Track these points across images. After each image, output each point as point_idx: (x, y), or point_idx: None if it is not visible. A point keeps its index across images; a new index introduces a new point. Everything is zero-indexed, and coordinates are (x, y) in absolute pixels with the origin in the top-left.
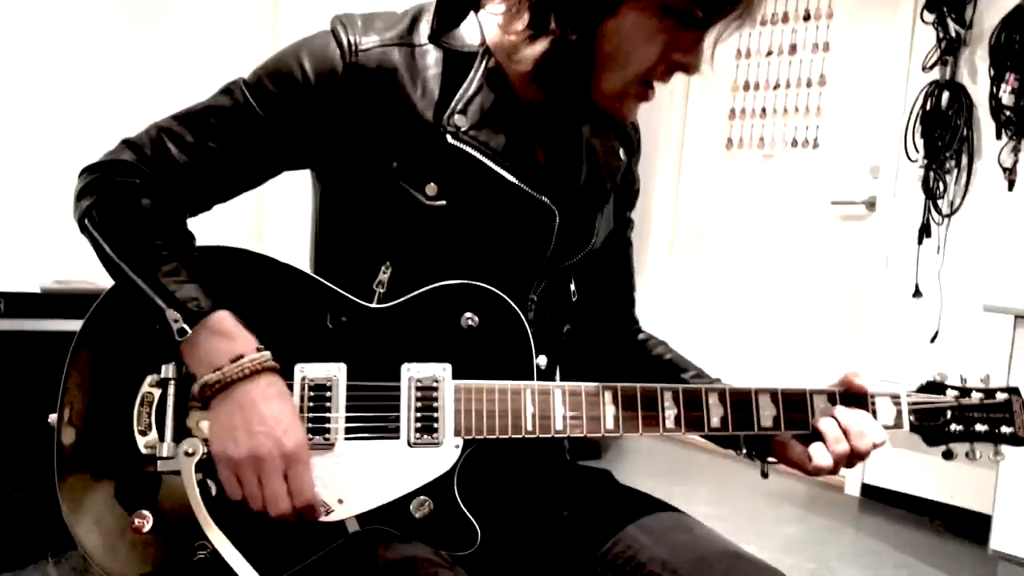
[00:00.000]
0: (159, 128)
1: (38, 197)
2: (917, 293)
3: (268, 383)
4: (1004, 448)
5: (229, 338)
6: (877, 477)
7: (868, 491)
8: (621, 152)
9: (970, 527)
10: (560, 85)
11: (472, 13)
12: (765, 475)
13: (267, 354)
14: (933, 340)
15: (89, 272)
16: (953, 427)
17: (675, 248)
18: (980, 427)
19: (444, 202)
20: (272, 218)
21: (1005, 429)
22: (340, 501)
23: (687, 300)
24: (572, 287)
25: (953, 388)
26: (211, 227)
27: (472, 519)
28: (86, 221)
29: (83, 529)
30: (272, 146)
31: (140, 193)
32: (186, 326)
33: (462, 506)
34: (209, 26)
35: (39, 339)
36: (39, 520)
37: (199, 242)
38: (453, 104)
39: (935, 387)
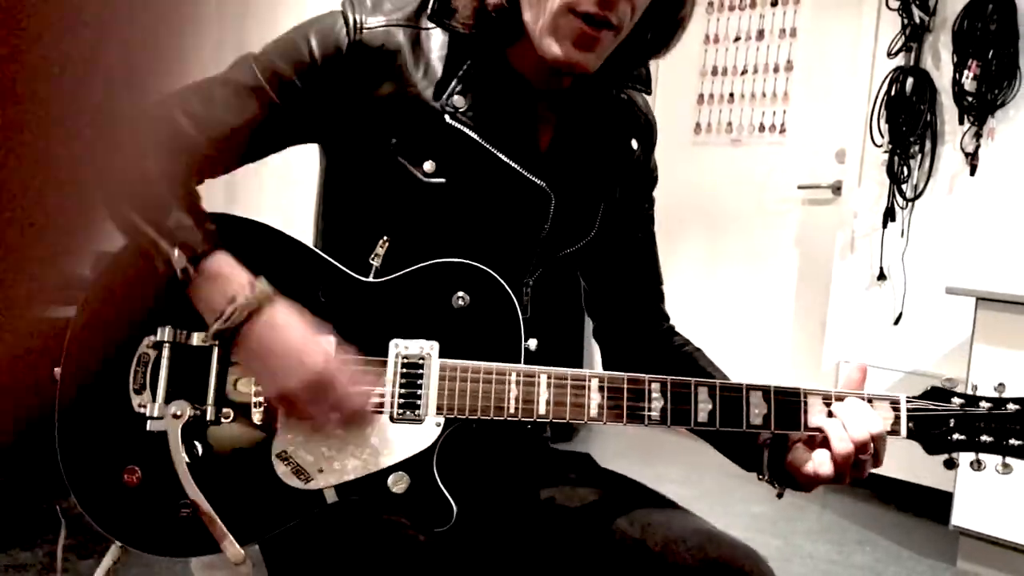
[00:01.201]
0: (169, 97)
1: None
2: (881, 276)
3: (270, 318)
4: (1012, 460)
5: (221, 281)
6: None
7: None
8: (634, 143)
9: (932, 505)
10: (494, 32)
11: None
12: (780, 495)
13: (260, 288)
14: (897, 322)
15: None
16: (956, 436)
17: None
18: (986, 438)
19: (442, 180)
20: (270, 189)
21: (1015, 441)
22: (320, 471)
23: None
24: (583, 284)
25: (960, 396)
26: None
27: (449, 497)
28: None
29: (77, 480)
30: (278, 122)
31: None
32: (189, 266)
33: (440, 484)
34: None
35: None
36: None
37: None
38: (453, 84)
39: (940, 394)
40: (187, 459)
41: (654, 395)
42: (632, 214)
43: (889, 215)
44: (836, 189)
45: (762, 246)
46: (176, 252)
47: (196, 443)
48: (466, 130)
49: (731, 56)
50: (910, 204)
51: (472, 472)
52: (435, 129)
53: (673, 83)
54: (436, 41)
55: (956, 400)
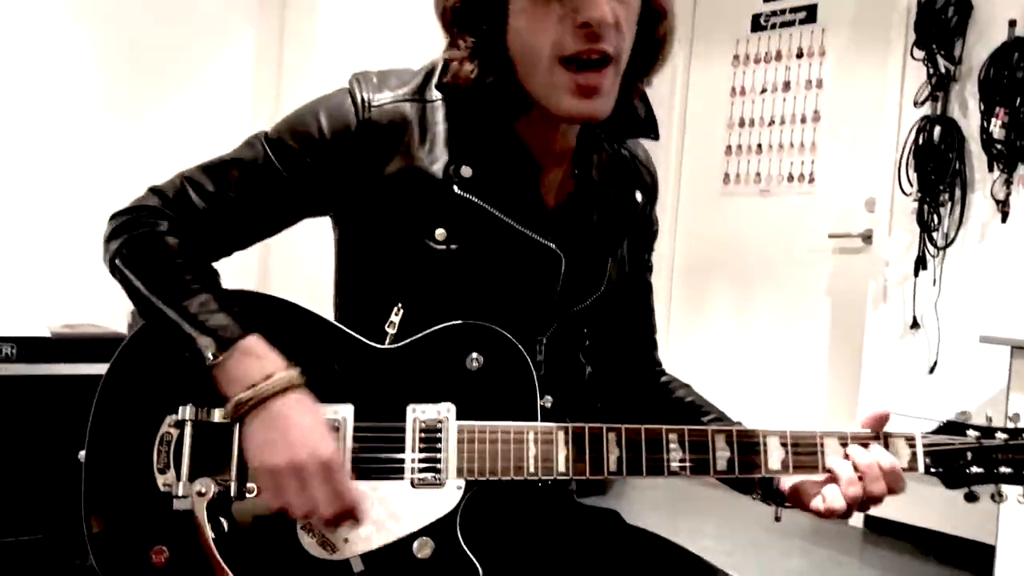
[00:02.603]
0: (183, 177)
1: (45, 243)
2: (915, 325)
3: (298, 398)
4: None
5: (260, 358)
6: (880, 509)
7: (872, 523)
8: (638, 194)
9: (973, 558)
10: (497, 95)
11: None
12: (778, 519)
13: (296, 371)
14: (932, 371)
15: (96, 316)
16: (974, 469)
17: (674, 284)
18: (1005, 469)
19: (453, 247)
20: (276, 260)
21: None
22: (345, 540)
23: (687, 336)
24: (585, 331)
25: (975, 428)
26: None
27: (474, 560)
28: (117, 260)
29: (105, 562)
30: (289, 198)
31: (167, 233)
32: (218, 350)
33: (464, 547)
34: (216, 89)
35: (51, 383)
36: (58, 561)
37: None
38: (459, 155)
39: (955, 427)
40: (213, 535)
41: (672, 446)
42: (634, 265)
43: (921, 263)
44: (867, 238)
45: (794, 296)
46: (202, 339)
47: (222, 519)
48: (474, 199)
49: (758, 107)
50: (941, 252)
51: (496, 532)
52: (444, 199)
53: (701, 135)
54: (441, 113)
55: (972, 433)
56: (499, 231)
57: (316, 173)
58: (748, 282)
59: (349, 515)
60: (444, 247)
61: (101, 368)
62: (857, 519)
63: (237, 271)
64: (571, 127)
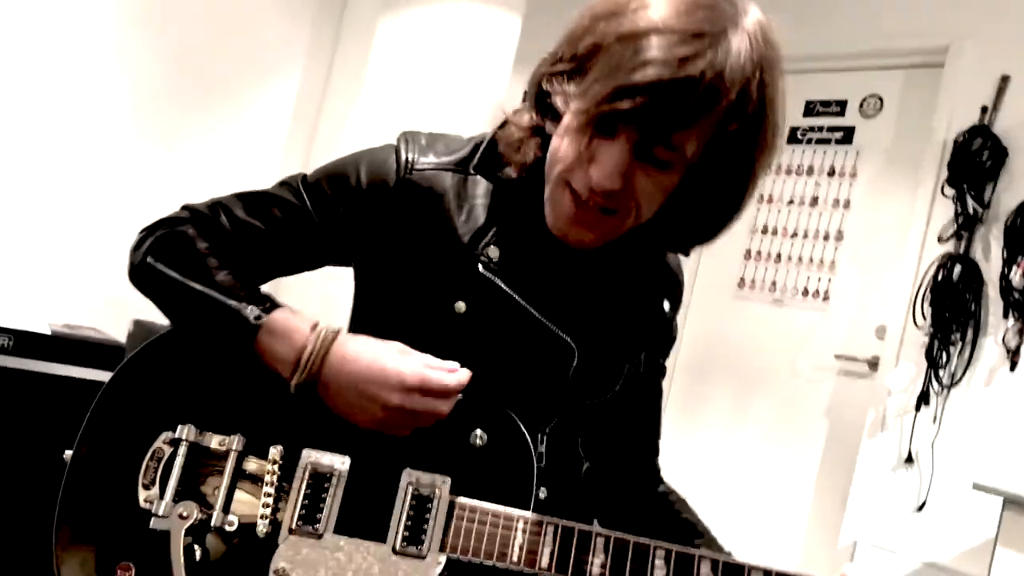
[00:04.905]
0: (217, 201)
1: (64, 241)
2: (909, 459)
3: (341, 353)
4: None
5: (288, 335)
6: None
7: None
8: (666, 304)
9: None
10: (536, 185)
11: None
12: None
13: (322, 331)
14: (920, 509)
15: (99, 322)
16: None
17: (674, 381)
18: None
19: (471, 321)
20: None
21: None
22: None
23: (679, 432)
24: (589, 427)
25: None
26: None
27: None
28: (149, 259)
29: (68, 568)
30: (315, 241)
31: (196, 237)
32: (261, 313)
33: None
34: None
35: (43, 381)
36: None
37: None
38: (491, 235)
39: None
40: (185, 562)
41: (657, 562)
42: (649, 369)
43: (923, 399)
44: (873, 364)
45: (792, 410)
46: (246, 307)
47: (196, 547)
48: (497, 280)
49: (783, 218)
50: (946, 391)
51: None
52: (468, 275)
53: (723, 235)
54: (481, 188)
55: None
56: (517, 315)
57: (346, 222)
58: (748, 389)
59: (461, 388)
60: (462, 320)
61: (94, 374)
62: None
63: None
64: None
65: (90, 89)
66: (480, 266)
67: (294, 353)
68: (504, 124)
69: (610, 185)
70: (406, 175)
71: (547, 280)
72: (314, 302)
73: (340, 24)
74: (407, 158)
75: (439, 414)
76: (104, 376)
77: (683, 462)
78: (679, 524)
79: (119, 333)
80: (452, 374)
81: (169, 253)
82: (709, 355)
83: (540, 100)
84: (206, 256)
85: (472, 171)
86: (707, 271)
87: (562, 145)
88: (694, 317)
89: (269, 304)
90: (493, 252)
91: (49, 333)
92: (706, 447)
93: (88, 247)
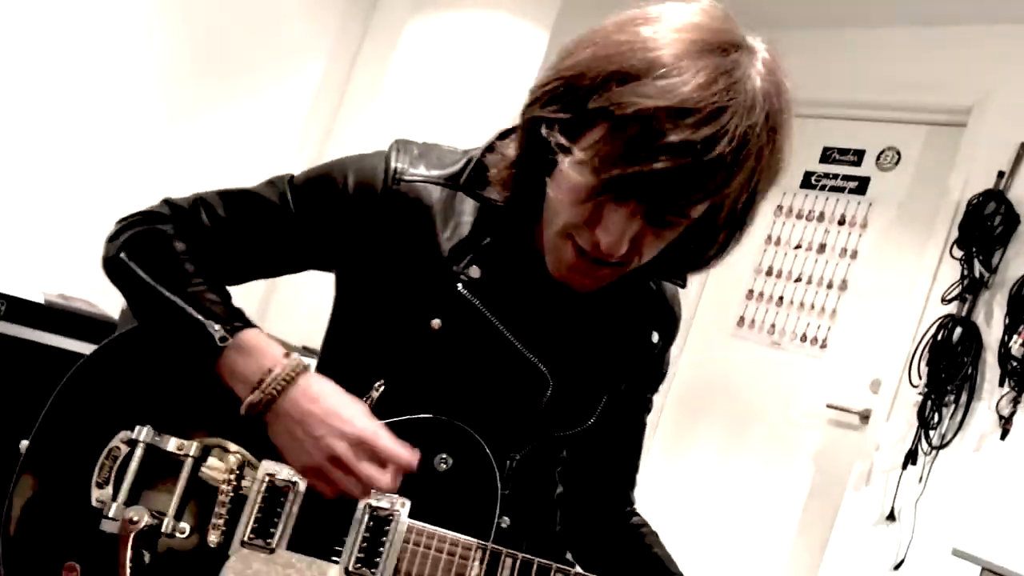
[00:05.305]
0: (199, 197)
1: (59, 207)
2: (891, 517)
3: (305, 387)
4: None
5: (257, 354)
6: None
7: None
8: (655, 336)
9: None
10: (523, 208)
11: None
12: None
13: (295, 359)
14: (897, 568)
15: (93, 294)
16: None
17: (664, 412)
18: None
19: (445, 338)
20: (281, 286)
21: None
22: None
23: (666, 466)
24: (564, 454)
25: None
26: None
27: None
28: (122, 254)
29: (12, 565)
30: (295, 244)
31: (173, 236)
32: (226, 334)
33: None
34: (273, 107)
35: (34, 350)
36: None
37: None
38: (473, 254)
39: None
40: (132, 565)
41: None
42: (632, 403)
43: (911, 458)
44: (864, 417)
45: (780, 454)
46: (212, 324)
47: (145, 552)
48: (475, 301)
49: (788, 261)
50: (935, 452)
51: None
52: (447, 292)
53: (727, 272)
54: (469, 205)
55: None
56: (492, 338)
57: (329, 226)
58: (739, 428)
59: (408, 468)
60: (437, 337)
61: (84, 347)
62: None
63: (240, 292)
64: None
65: (108, 63)
66: (459, 284)
67: (259, 373)
68: (492, 148)
69: (619, 251)
70: (394, 185)
71: (527, 306)
72: (306, 295)
73: (369, 20)
74: (396, 167)
75: (374, 483)
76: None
77: (667, 495)
78: (648, 559)
79: (113, 308)
80: (405, 450)
81: (144, 252)
82: (703, 391)
83: (531, 139)
84: (182, 260)
85: (462, 188)
86: (707, 307)
87: (564, 198)
88: (691, 352)
89: (239, 323)
90: (474, 271)
91: (42, 302)
92: (692, 482)
93: (90, 219)
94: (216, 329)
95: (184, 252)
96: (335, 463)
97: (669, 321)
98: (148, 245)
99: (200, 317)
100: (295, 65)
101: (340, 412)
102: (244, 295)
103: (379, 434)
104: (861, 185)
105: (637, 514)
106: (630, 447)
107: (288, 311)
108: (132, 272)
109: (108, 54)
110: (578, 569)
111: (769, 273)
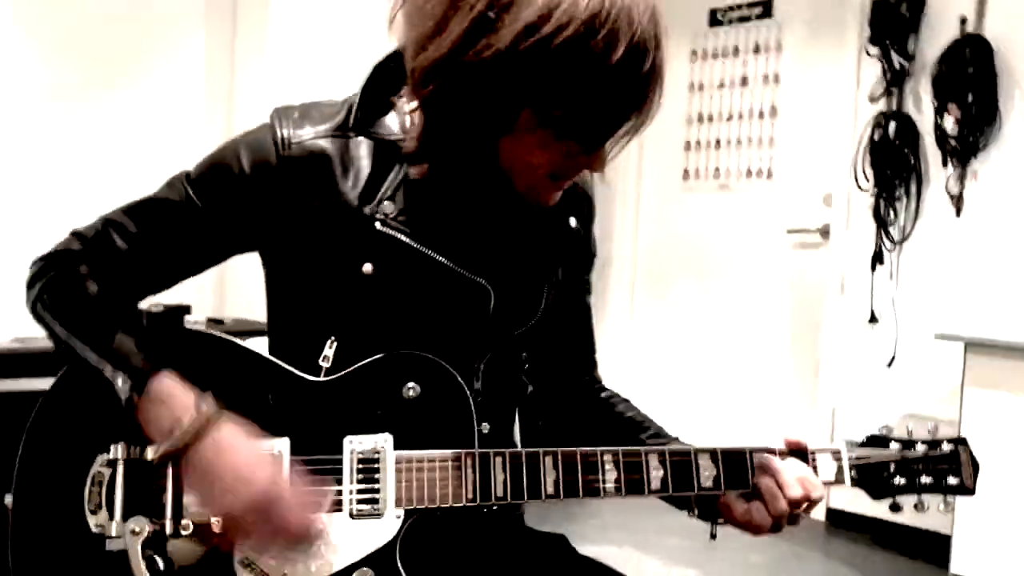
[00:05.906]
0: (105, 220)
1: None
2: (873, 319)
3: (214, 440)
4: (952, 498)
5: (168, 402)
6: (842, 501)
7: (833, 516)
8: (573, 221)
9: (932, 549)
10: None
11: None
12: (714, 536)
13: (206, 410)
14: (890, 365)
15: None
16: (898, 480)
17: (637, 278)
18: (925, 479)
19: (381, 280)
20: (233, 291)
21: (952, 480)
22: (284, 574)
23: (650, 328)
24: (524, 354)
25: (897, 441)
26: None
27: None
28: (37, 306)
29: None
30: (211, 236)
31: (86, 277)
32: (132, 392)
33: (404, 575)
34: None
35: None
36: None
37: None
38: (382, 191)
39: (879, 440)
40: (148, 575)
41: (607, 467)
42: (572, 288)
43: (877, 258)
44: (824, 233)
45: (753, 290)
46: (120, 380)
47: (157, 558)
48: (398, 235)
49: (716, 103)
50: (898, 247)
51: (440, 560)
52: (368, 235)
53: (661, 131)
54: (364, 148)
55: (894, 445)
56: (425, 266)
57: (236, 210)
58: (709, 276)
59: (303, 540)
60: (372, 281)
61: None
62: (819, 512)
63: (195, 286)
64: None
65: None
66: (377, 223)
67: (169, 422)
68: (375, 85)
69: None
70: (286, 151)
71: (449, 225)
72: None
73: None
74: (283, 134)
75: (271, 544)
76: None
77: (658, 352)
78: (625, 424)
79: None
80: (302, 515)
81: (56, 302)
82: (666, 249)
83: (446, 87)
84: (95, 304)
85: (351, 133)
86: (651, 168)
87: (530, 152)
88: (645, 215)
89: (152, 368)
90: (388, 207)
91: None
92: (677, 336)
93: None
94: (123, 389)
95: (98, 292)
96: (234, 521)
97: (583, 203)
98: (59, 294)
99: (108, 374)
100: (176, 40)
101: (247, 470)
102: (199, 280)
103: (281, 499)
104: (766, 9)
105: (606, 389)
106: (582, 329)
107: (245, 288)
108: (47, 325)
109: None
110: (565, 449)
111: (701, 120)
